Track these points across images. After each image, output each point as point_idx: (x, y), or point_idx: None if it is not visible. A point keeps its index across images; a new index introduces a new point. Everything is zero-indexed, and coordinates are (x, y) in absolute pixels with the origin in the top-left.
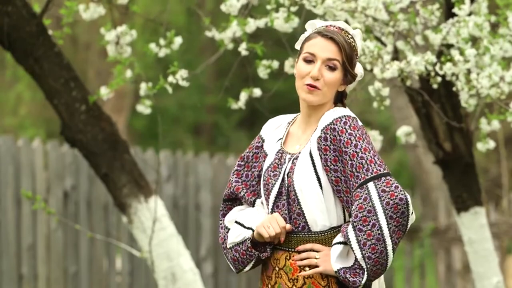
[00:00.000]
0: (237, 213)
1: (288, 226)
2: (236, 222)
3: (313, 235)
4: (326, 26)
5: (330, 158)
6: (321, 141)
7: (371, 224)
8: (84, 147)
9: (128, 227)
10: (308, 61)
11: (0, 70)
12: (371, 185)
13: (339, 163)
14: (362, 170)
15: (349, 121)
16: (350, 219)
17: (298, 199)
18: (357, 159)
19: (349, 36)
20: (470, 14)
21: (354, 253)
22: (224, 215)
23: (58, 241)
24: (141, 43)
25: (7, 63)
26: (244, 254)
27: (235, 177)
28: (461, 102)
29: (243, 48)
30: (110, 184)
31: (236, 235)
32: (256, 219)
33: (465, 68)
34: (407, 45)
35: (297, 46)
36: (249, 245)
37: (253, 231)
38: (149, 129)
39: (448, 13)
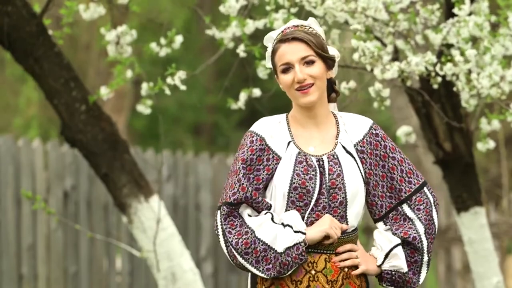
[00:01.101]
0: (265, 217)
1: (344, 226)
2: (287, 225)
3: (347, 237)
4: (282, 32)
5: (373, 162)
6: (366, 145)
7: (432, 228)
8: (84, 147)
9: (128, 227)
10: (287, 70)
11: (1, 70)
12: (426, 189)
13: (379, 168)
14: (413, 176)
15: (380, 128)
16: (420, 223)
17: (346, 202)
18: (405, 164)
19: (307, 27)
20: (470, 14)
21: (422, 256)
22: (225, 219)
23: (58, 241)
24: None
25: (7, 63)
26: (297, 258)
27: (247, 181)
28: (461, 102)
29: (241, 50)
30: (110, 184)
31: (290, 240)
32: (300, 222)
33: (465, 68)
34: (407, 45)
35: (268, 65)
36: (303, 248)
37: (304, 234)
38: (149, 129)
39: (448, 13)
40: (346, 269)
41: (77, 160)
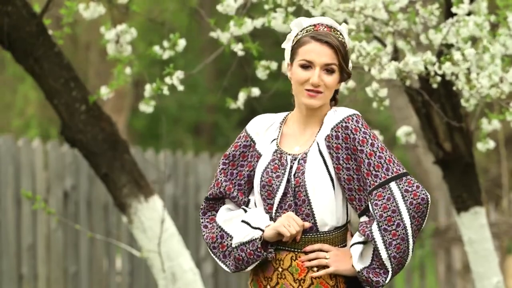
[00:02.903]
0: (233, 212)
1: (306, 224)
2: (243, 221)
3: (321, 236)
4: (315, 26)
5: (342, 157)
6: (332, 139)
7: (395, 224)
8: (84, 147)
9: (128, 227)
10: (306, 67)
11: (1, 69)
12: (393, 184)
13: (352, 161)
14: (382, 170)
15: (360, 119)
16: (374, 218)
17: (309, 200)
18: (375, 158)
19: (338, 33)
20: (469, 14)
21: (379, 253)
22: (205, 214)
23: (58, 241)
24: (141, 43)
25: (7, 62)
26: (252, 254)
27: (223, 176)
28: (461, 102)
29: (239, 49)
30: (110, 184)
31: (244, 235)
32: (262, 220)
33: (464, 67)
34: (407, 45)
35: (285, 46)
36: (258, 245)
37: (262, 231)
38: (149, 129)
39: (448, 13)
40: (315, 269)
41: (77, 160)
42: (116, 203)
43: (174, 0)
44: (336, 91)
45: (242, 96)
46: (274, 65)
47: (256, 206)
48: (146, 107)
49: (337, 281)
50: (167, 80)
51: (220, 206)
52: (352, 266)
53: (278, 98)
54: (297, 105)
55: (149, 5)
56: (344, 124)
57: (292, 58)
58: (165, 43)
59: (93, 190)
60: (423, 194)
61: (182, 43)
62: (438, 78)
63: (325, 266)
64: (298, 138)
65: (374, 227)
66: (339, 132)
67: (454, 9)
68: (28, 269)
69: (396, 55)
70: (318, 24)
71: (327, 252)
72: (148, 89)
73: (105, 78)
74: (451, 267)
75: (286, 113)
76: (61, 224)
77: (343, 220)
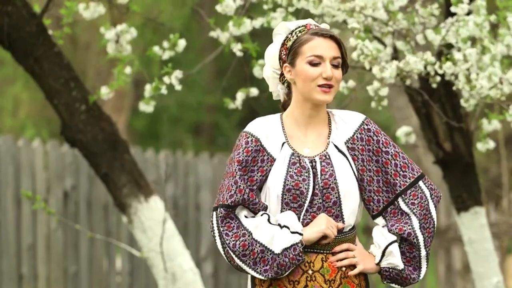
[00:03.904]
0: (260, 218)
1: (340, 225)
2: (280, 225)
3: (345, 236)
4: (305, 26)
5: (366, 158)
6: (356, 141)
7: (429, 221)
8: (84, 147)
9: (128, 227)
10: (315, 63)
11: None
12: (421, 183)
13: (373, 163)
14: (408, 170)
15: (373, 123)
16: (415, 217)
17: (340, 201)
18: (399, 158)
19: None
20: (469, 13)
21: (419, 252)
22: (222, 221)
23: (58, 241)
24: (141, 42)
25: (6, 62)
26: (294, 259)
27: (243, 183)
28: (461, 102)
29: (238, 49)
30: (110, 184)
31: (288, 240)
32: (296, 223)
33: (464, 67)
34: (407, 45)
35: (271, 51)
36: (300, 249)
37: (301, 235)
38: (149, 129)
39: (448, 12)
40: (343, 269)
41: (77, 160)
42: (116, 203)
43: (174, 0)
44: None
45: (240, 96)
46: None
47: (270, 212)
48: (146, 107)
49: (360, 279)
50: (166, 79)
51: (234, 213)
52: (376, 264)
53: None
54: (297, 106)
55: (148, 5)
56: (366, 127)
57: (293, 59)
58: (165, 43)
59: (93, 190)
60: (439, 191)
61: (182, 43)
62: (438, 78)
63: (352, 265)
64: (303, 139)
65: (416, 225)
66: (363, 134)
67: (453, 9)
68: (28, 269)
69: (396, 55)
70: (307, 24)
71: (352, 251)
72: (148, 89)
73: (105, 78)
74: (451, 267)
75: (278, 114)
76: (61, 224)
77: (356, 221)
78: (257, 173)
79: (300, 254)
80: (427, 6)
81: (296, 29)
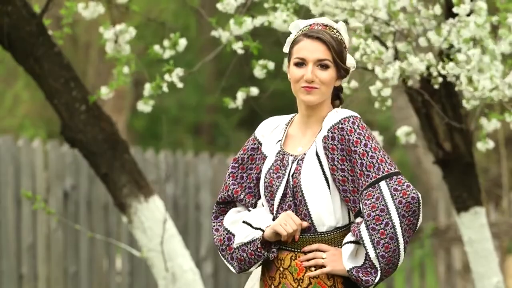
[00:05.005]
0: (239, 214)
1: (304, 223)
2: (244, 222)
3: (319, 236)
4: (310, 25)
5: (337, 158)
6: (328, 140)
7: (384, 223)
8: (84, 147)
9: (128, 227)
10: (300, 64)
11: None
12: (383, 184)
13: (347, 162)
14: (373, 169)
15: (356, 121)
16: (363, 218)
17: (305, 200)
18: (367, 158)
19: (335, 31)
20: (469, 13)
21: (367, 252)
22: (216, 217)
23: (58, 241)
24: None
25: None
26: (253, 254)
27: (232, 180)
28: (461, 102)
29: (238, 47)
30: (110, 184)
31: (244, 235)
32: (264, 220)
33: (467, 68)
34: (408, 46)
35: (285, 49)
36: (258, 245)
37: (263, 231)
38: (149, 129)
39: (449, 13)
40: (313, 269)
41: (77, 160)
42: (116, 203)
43: (174, 0)
44: (340, 90)
45: (240, 95)
46: (271, 65)
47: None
48: (144, 107)
49: (335, 281)
50: (167, 77)
51: (228, 210)
52: None
53: (278, 98)
54: (298, 106)
55: (149, 6)
56: (340, 126)
57: (288, 60)
58: (166, 43)
59: (93, 190)
60: (413, 193)
61: (182, 42)
62: (440, 79)
63: (322, 266)
64: (301, 139)
65: (362, 226)
66: (335, 133)
67: (455, 9)
68: (28, 269)
69: (397, 55)
70: (313, 23)
71: (324, 252)
72: (147, 88)
73: (105, 78)
74: (451, 267)
75: (292, 114)
76: (61, 224)
77: (344, 221)
78: (254, 170)
79: (259, 250)
80: (429, 8)
81: (302, 28)
